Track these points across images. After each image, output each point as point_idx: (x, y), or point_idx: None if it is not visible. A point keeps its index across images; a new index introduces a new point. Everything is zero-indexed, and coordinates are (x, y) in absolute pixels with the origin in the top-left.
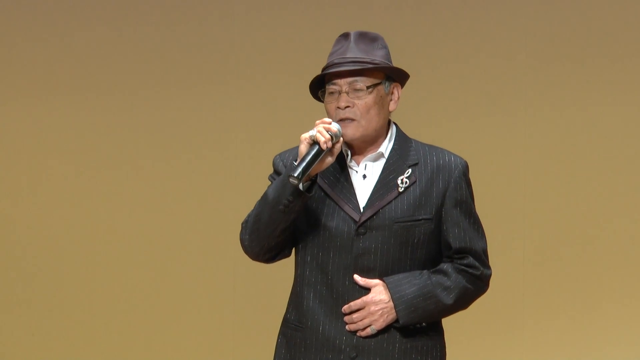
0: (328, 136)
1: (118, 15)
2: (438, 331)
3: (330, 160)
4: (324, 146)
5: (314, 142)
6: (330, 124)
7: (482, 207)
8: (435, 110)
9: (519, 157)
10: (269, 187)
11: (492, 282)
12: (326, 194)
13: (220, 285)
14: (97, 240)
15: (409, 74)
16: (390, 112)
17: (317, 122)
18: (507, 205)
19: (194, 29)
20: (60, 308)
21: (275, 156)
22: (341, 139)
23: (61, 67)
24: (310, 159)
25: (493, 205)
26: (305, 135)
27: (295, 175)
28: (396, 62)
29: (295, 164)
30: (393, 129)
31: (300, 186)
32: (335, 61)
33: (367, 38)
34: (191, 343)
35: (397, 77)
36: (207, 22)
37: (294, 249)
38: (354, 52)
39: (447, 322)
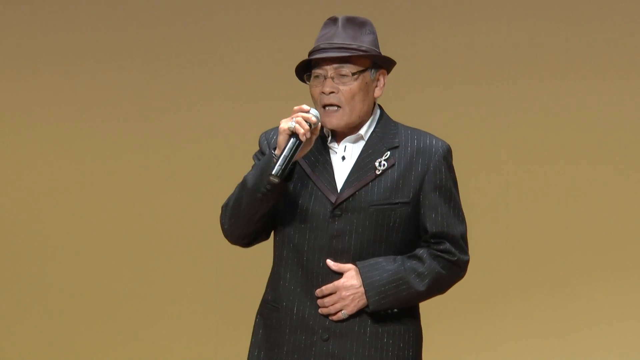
0: (307, 127)
1: (103, 7)
2: (413, 316)
3: (308, 147)
4: (303, 138)
5: (293, 134)
6: (308, 111)
7: (464, 197)
8: (418, 97)
9: (500, 144)
10: (249, 172)
11: (475, 274)
12: (305, 174)
13: (204, 271)
14: (81, 236)
15: (396, 60)
16: (375, 99)
17: (295, 108)
18: (489, 195)
19: (179, 20)
20: (44, 306)
21: (261, 134)
22: (319, 125)
23: (48, 62)
24: (289, 155)
25: (475, 195)
26: (284, 127)
27: (274, 173)
28: (381, 46)
29: (274, 155)
30: (377, 112)
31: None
32: (322, 46)
33: (355, 23)
34: (176, 330)
35: (384, 64)
36: (193, 14)
37: (272, 230)
38: (341, 38)
39: (429, 314)
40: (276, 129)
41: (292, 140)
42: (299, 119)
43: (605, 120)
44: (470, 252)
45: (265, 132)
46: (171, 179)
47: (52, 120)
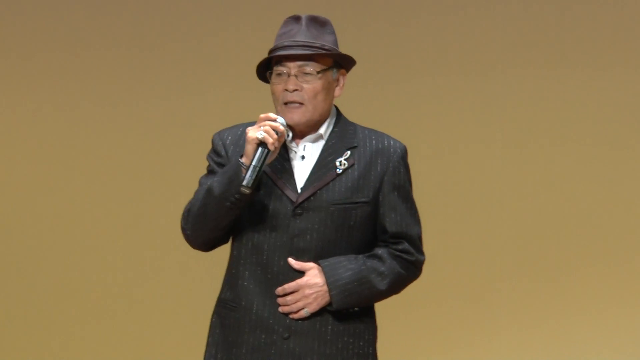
0: (276, 136)
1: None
2: (370, 315)
3: (275, 155)
4: (272, 147)
5: (261, 142)
6: (275, 120)
7: (457, 200)
8: (407, 96)
9: (492, 139)
10: (214, 179)
11: (468, 272)
12: (265, 174)
13: (204, 271)
14: (75, 234)
15: (387, 57)
16: (334, 98)
17: (262, 116)
18: (483, 197)
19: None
20: (39, 305)
21: (215, 134)
22: (285, 132)
23: (43, 62)
24: (259, 165)
25: (468, 197)
26: (253, 136)
27: (245, 184)
28: (376, 42)
29: (242, 164)
30: (334, 113)
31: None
32: (286, 44)
33: (318, 22)
34: (174, 329)
35: (345, 63)
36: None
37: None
38: (305, 36)
39: (422, 314)
40: (230, 129)
41: (260, 149)
42: (267, 129)
43: (599, 115)
44: (462, 248)
45: (219, 132)
46: (167, 177)
47: (43, 118)
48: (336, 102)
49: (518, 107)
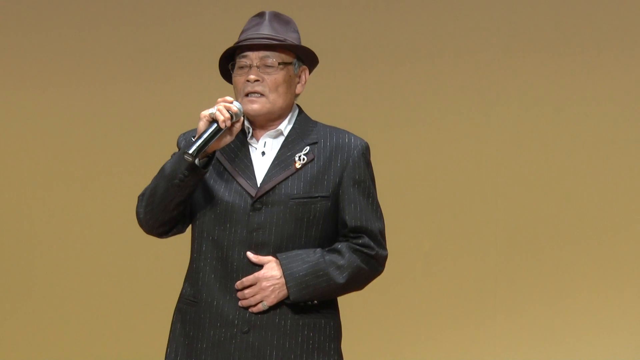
0: (228, 115)
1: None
2: (332, 309)
3: (229, 138)
4: (222, 125)
5: (213, 120)
6: (231, 102)
7: (453, 198)
8: (405, 97)
9: (489, 141)
10: (167, 161)
11: (465, 272)
12: (225, 169)
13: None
14: (70, 233)
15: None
16: (296, 95)
17: (219, 100)
18: (479, 195)
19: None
20: (34, 305)
21: (180, 135)
22: (242, 118)
23: (33, 58)
24: (207, 137)
25: (464, 195)
26: (205, 113)
27: (190, 152)
28: (372, 39)
29: (193, 140)
30: (295, 110)
31: (197, 162)
32: (250, 36)
33: (282, 19)
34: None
35: (308, 60)
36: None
37: (190, 224)
38: (268, 30)
39: (419, 313)
40: (194, 130)
41: (212, 125)
42: (220, 107)
43: (596, 120)
44: (460, 248)
45: (184, 133)
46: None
47: (34, 116)
48: (301, 101)
49: (513, 104)
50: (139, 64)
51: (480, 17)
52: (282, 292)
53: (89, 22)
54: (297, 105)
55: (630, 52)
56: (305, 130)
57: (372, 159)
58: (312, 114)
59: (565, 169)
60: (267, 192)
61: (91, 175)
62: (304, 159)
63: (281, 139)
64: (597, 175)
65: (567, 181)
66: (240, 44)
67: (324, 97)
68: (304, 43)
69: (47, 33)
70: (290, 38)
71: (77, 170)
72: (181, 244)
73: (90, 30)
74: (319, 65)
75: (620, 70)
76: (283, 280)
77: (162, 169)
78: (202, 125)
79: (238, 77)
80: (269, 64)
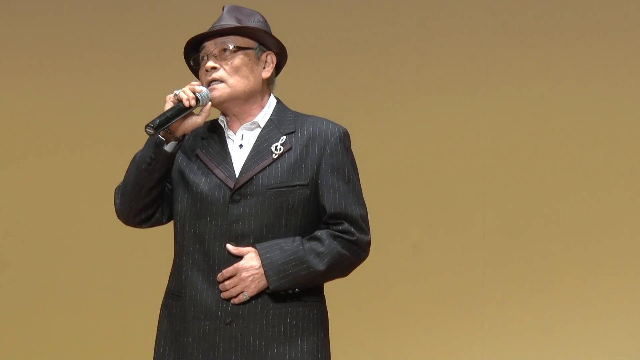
0: (192, 95)
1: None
2: (318, 299)
3: (197, 121)
4: (186, 103)
5: (178, 101)
6: (198, 85)
7: (442, 188)
8: (396, 88)
9: (478, 132)
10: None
11: (453, 262)
12: (203, 163)
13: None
14: (65, 232)
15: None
16: (264, 80)
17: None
18: (467, 186)
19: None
20: (29, 305)
21: None
22: (209, 103)
23: (17, 45)
24: (170, 113)
25: (453, 186)
26: (170, 95)
27: (151, 124)
28: (369, 36)
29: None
30: (272, 101)
31: (168, 147)
32: (205, 32)
33: (242, 12)
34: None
35: (271, 45)
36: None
37: (172, 219)
38: (225, 21)
39: (407, 304)
40: None
41: (176, 105)
42: (185, 88)
43: (585, 109)
44: (448, 239)
45: None
46: None
47: (27, 113)
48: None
49: (502, 95)
50: (129, 58)
51: (469, 8)
52: (261, 282)
53: (78, 14)
54: (276, 98)
55: (621, 45)
56: (282, 120)
57: (361, 149)
58: (296, 104)
59: (554, 161)
60: (245, 183)
61: (75, 170)
62: (280, 148)
63: (258, 131)
64: (586, 168)
65: (555, 173)
66: (193, 36)
67: (311, 87)
68: (289, 32)
69: (30, 21)
70: (253, 25)
71: (61, 165)
72: (167, 239)
73: (74, 21)
74: (305, 55)
75: (611, 62)
76: (262, 270)
77: (133, 158)
78: (167, 107)
79: (200, 70)
80: (225, 49)
